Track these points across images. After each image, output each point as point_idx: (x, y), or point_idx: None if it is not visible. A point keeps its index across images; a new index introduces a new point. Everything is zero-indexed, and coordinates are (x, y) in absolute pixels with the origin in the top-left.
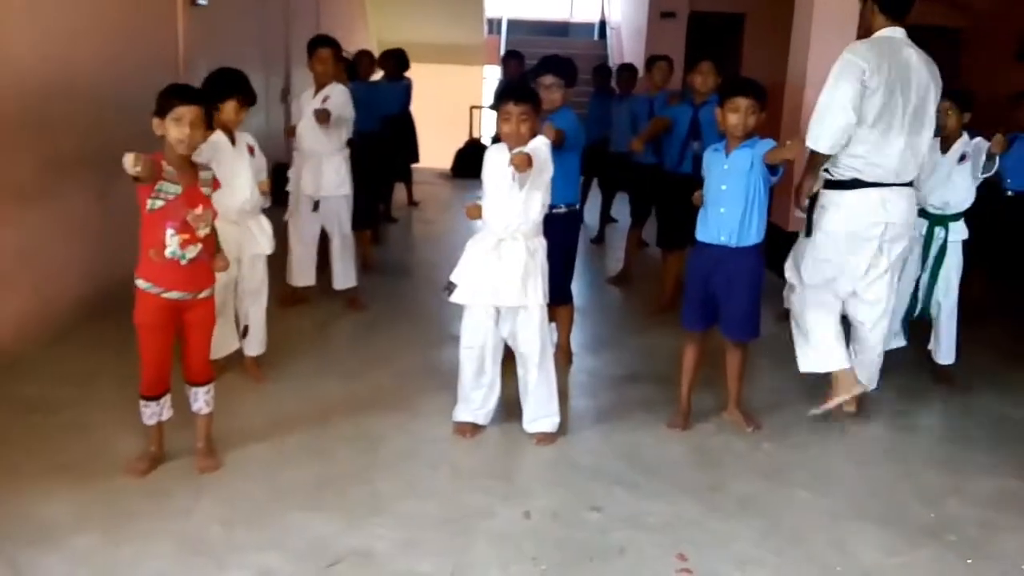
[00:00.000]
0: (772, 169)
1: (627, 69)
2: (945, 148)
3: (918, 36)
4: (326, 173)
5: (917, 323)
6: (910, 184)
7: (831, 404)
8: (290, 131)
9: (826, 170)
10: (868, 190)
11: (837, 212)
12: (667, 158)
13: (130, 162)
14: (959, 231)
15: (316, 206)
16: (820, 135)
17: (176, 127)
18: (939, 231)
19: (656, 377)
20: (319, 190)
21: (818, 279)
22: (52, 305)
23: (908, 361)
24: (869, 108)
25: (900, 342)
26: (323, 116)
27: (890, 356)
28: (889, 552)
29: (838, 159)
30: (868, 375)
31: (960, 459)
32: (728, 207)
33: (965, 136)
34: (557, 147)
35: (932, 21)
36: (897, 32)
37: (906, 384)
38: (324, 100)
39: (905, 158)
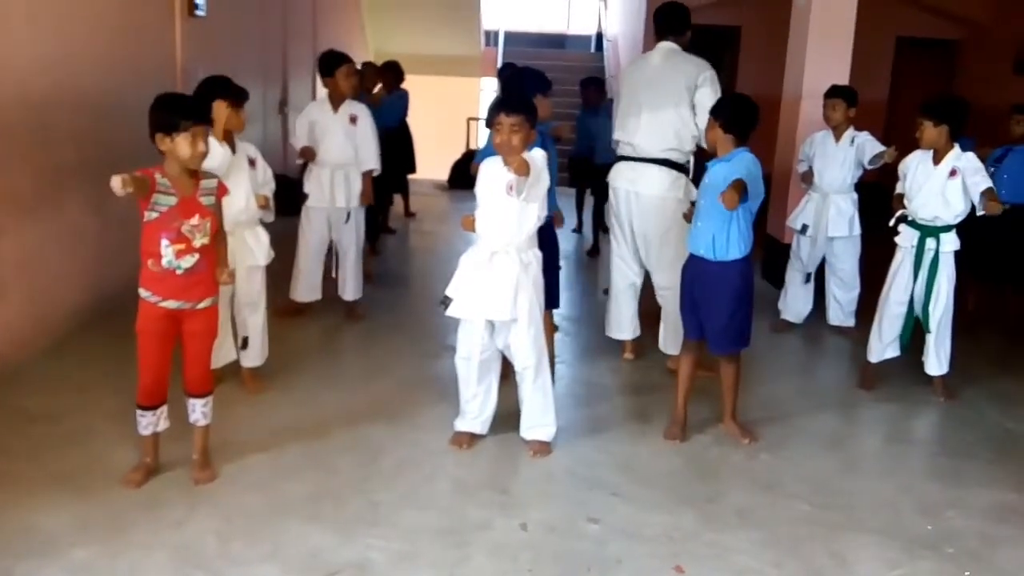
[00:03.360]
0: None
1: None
2: (936, 161)
3: (914, 47)
4: (354, 185)
5: (914, 335)
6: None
7: None
8: (310, 154)
9: None
10: None
11: None
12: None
13: (118, 185)
14: (951, 242)
15: (348, 216)
16: None
17: (190, 145)
18: (930, 242)
19: (652, 388)
20: (351, 200)
21: None
22: (50, 315)
23: (905, 372)
24: None
25: (895, 352)
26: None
27: (887, 367)
28: (888, 564)
29: None
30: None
31: (959, 471)
32: (704, 221)
33: (956, 149)
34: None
35: (928, 33)
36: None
37: (903, 395)
38: (352, 119)
39: None
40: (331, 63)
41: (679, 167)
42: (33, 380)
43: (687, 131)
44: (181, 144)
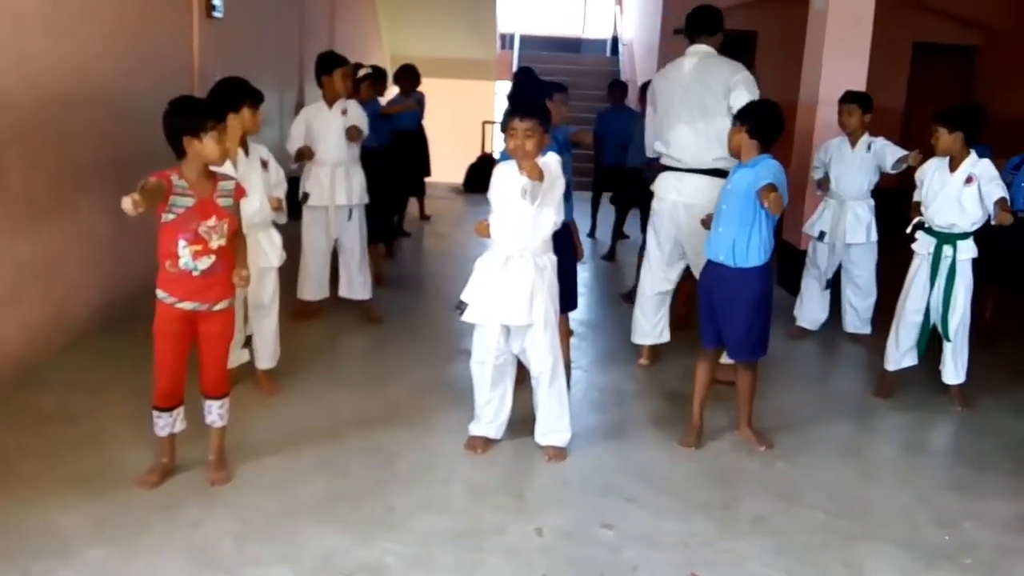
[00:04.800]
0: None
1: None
2: (952, 168)
3: (932, 53)
4: (354, 182)
5: (931, 343)
6: None
7: None
8: (308, 153)
9: None
10: None
11: None
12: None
13: (129, 207)
14: (968, 250)
15: (350, 214)
16: None
17: (217, 144)
18: (947, 249)
19: (668, 394)
20: (352, 198)
21: None
22: (66, 315)
23: (922, 381)
24: None
25: (912, 361)
26: (356, 134)
27: (903, 375)
28: (904, 575)
29: None
30: None
31: (976, 482)
32: (725, 227)
33: (972, 156)
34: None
35: (946, 39)
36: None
37: (920, 404)
38: (344, 113)
39: None
40: (330, 63)
41: (726, 174)
42: (50, 381)
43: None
44: (209, 144)
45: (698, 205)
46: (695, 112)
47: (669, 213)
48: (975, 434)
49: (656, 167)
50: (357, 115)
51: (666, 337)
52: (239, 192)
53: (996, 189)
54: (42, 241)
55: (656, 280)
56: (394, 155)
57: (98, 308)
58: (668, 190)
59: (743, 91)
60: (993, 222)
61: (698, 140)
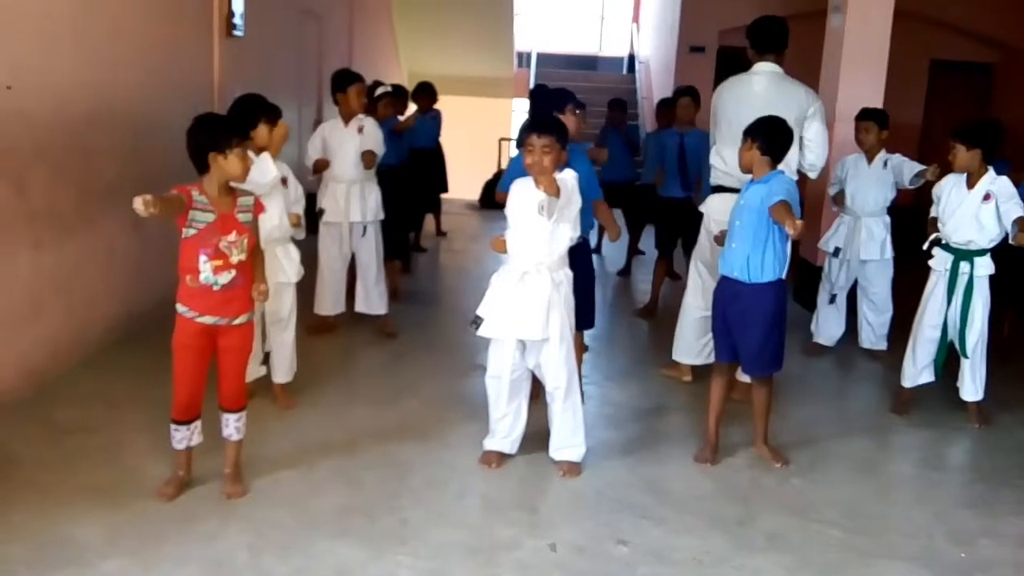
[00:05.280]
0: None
1: (665, 104)
2: (970, 185)
3: (949, 70)
4: (369, 199)
5: (948, 360)
6: None
7: None
8: (324, 165)
9: None
10: None
11: None
12: (704, 192)
13: (140, 207)
14: (985, 266)
15: (365, 230)
16: None
17: (241, 162)
18: (964, 265)
19: (683, 409)
20: (367, 215)
21: None
22: (87, 329)
23: (939, 398)
24: None
25: (930, 377)
26: (370, 160)
27: (920, 392)
28: None
29: None
30: None
31: (993, 499)
32: (739, 243)
33: (991, 173)
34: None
35: (962, 56)
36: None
37: (937, 421)
38: (360, 130)
39: None
40: (344, 80)
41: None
42: (69, 393)
43: (795, 165)
44: (233, 161)
45: None
46: None
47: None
48: (992, 451)
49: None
50: (373, 133)
51: (712, 358)
52: (258, 208)
53: (1015, 208)
54: (64, 256)
55: (702, 305)
56: (411, 172)
57: (117, 322)
58: (724, 211)
59: (819, 123)
60: (1012, 241)
61: None
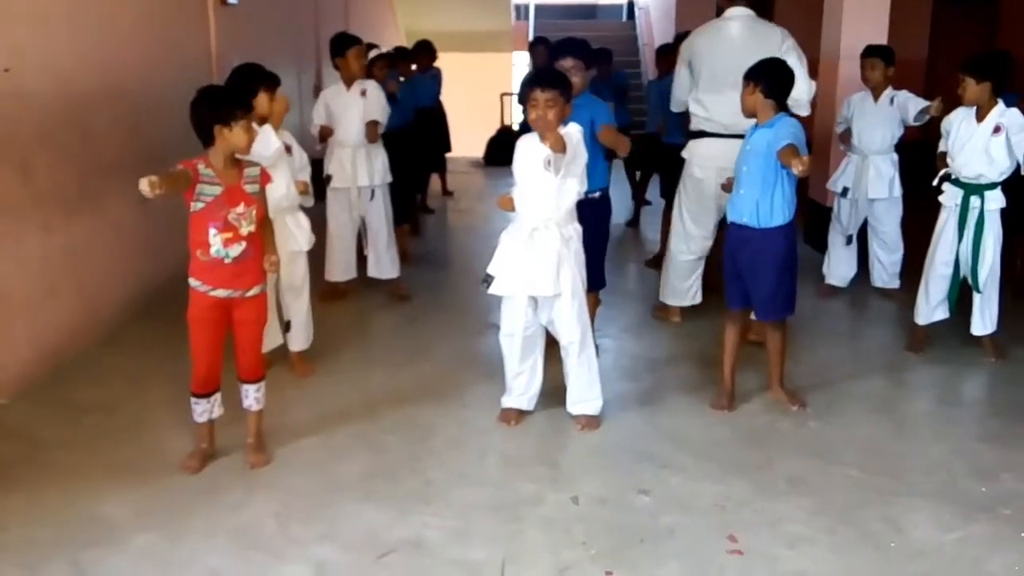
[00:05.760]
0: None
1: (664, 50)
2: (979, 118)
3: (953, 4)
4: (376, 163)
5: (961, 295)
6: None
7: None
8: (327, 131)
9: None
10: None
11: None
12: (670, 135)
13: (147, 188)
14: (996, 200)
15: (373, 194)
16: None
17: (246, 134)
18: (975, 200)
19: (698, 358)
20: (374, 178)
21: None
22: (100, 308)
23: (954, 334)
24: None
25: (944, 314)
26: (374, 132)
27: (935, 329)
28: (943, 528)
29: None
30: None
31: (1011, 433)
32: (747, 188)
33: (1001, 105)
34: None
35: None
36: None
37: (952, 357)
38: (363, 93)
39: None
40: (343, 44)
41: None
42: (86, 373)
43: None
44: (238, 133)
45: None
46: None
47: (715, 181)
48: (1008, 384)
49: (686, 132)
50: (376, 97)
51: (699, 299)
52: (264, 178)
53: None
54: (72, 236)
55: (692, 246)
56: (417, 133)
57: (131, 299)
58: (713, 158)
59: (794, 59)
60: None
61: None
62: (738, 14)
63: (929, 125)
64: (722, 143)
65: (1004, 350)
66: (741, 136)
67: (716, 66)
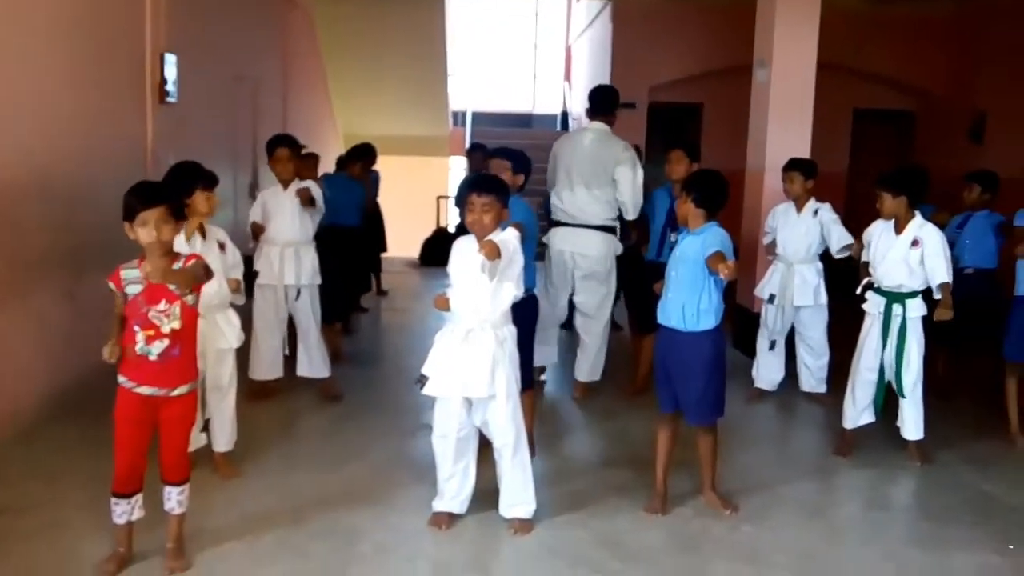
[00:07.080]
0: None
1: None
2: (898, 231)
3: (871, 118)
4: (305, 262)
5: (887, 400)
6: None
7: None
8: (258, 229)
9: None
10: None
11: None
12: (649, 247)
13: (107, 355)
14: (918, 308)
15: (299, 294)
16: None
17: (144, 231)
18: (897, 308)
19: (632, 461)
20: (301, 279)
21: None
22: (19, 403)
23: (880, 438)
24: None
25: (870, 418)
26: (307, 198)
27: (862, 433)
28: None
29: None
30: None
31: (941, 536)
32: (675, 292)
33: (918, 218)
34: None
35: (884, 104)
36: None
37: (880, 461)
38: (299, 193)
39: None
40: (271, 146)
41: (612, 230)
42: (2, 470)
43: (615, 203)
44: (138, 231)
45: (591, 256)
46: (592, 179)
47: (565, 262)
48: (936, 488)
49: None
50: (315, 189)
51: (554, 359)
52: (188, 259)
53: (939, 267)
54: None
55: (555, 308)
56: (359, 232)
57: (51, 396)
58: (564, 242)
59: (626, 168)
60: (935, 317)
61: (594, 202)
62: (595, 127)
63: (854, 233)
64: (570, 231)
65: (930, 454)
66: (587, 226)
67: (571, 167)
